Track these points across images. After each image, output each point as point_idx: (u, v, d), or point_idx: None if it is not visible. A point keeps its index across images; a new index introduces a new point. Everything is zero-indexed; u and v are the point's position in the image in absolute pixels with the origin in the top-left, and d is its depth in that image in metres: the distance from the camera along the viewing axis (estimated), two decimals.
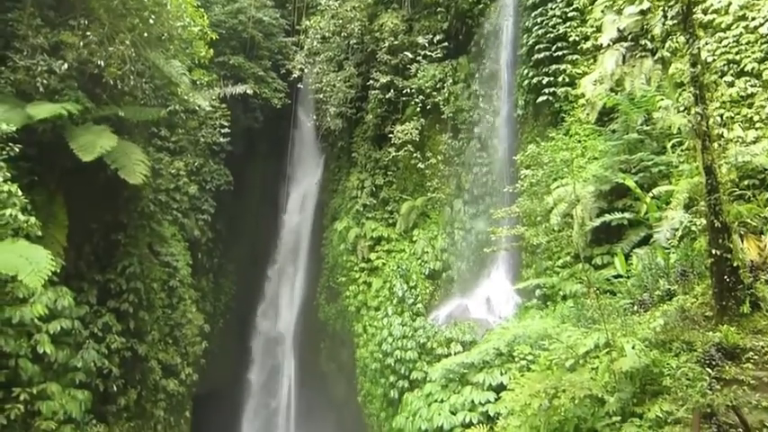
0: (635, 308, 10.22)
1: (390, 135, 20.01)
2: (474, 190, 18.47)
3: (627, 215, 12.53)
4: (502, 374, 11.27)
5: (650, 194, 12.16)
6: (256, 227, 26.28)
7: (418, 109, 19.91)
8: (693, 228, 10.16)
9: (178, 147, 22.34)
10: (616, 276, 11.64)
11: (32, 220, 11.86)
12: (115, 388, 15.96)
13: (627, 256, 11.87)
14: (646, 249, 11.49)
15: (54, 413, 12.04)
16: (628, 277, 11.22)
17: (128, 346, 16.49)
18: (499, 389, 11.05)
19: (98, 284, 16.29)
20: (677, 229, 10.70)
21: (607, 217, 12.64)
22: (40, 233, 12.22)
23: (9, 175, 11.90)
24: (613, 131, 14.05)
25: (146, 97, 17.92)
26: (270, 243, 26.74)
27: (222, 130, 21.39)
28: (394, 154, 19.78)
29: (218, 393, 24.40)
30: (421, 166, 19.42)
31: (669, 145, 12.89)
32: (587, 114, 15.05)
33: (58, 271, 12.22)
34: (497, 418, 10.79)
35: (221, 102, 21.05)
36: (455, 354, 13.70)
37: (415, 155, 19.47)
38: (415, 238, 19.01)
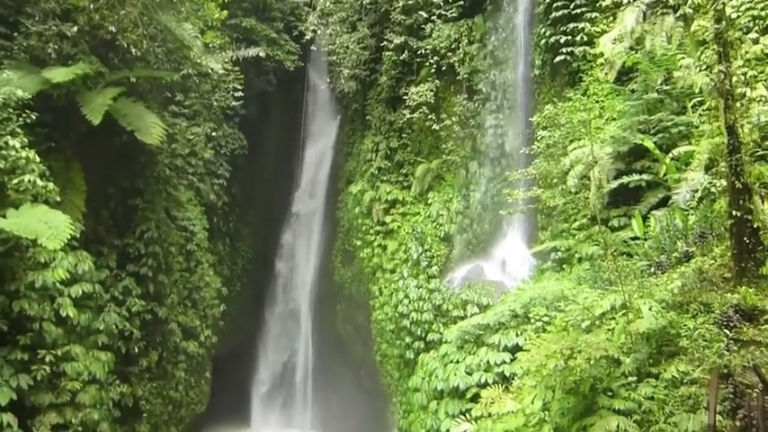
0: (652, 270, 10.18)
1: (405, 97, 19.77)
2: (489, 152, 18.31)
3: (645, 177, 12.39)
4: (517, 336, 11.34)
5: (669, 155, 11.99)
6: (271, 191, 26.35)
7: (433, 70, 19.62)
8: (713, 189, 10.03)
9: (192, 111, 22.30)
10: (633, 238, 11.58)
11: (51, 185, 11.99)
12: (137, 350, 16.33)
13: (644, 218, 11.78)
14: (664, 211, 11.39)
15: (78, 374, 12.37)
16: (645, 239, 11.16)
17: (148, 309, 16.80)
18: (515, 350, 11.14)
19: (117, 249, 16.52)
20: (697, 191, 10.57)
21: (625, 179, 12.50)
22: (58, 198, 12.38)
23: (26, 141, 12.00)
24: (632, 91, 13.79)
25: (158, 61, 17.85)
26: (285, 207, 26.84)
27: (235, 94, 21.24)
28: (408, 116, 19.59)
29: (236, 355, 24.86)
30: (436, 128, 19.23)
31: (690, 105, 12.64)
32: (606, 74, 14.74)
33: (78, 236, 12.42)
34: (513, 379, 10.92)
35: (234, 65, 20.87)
36: (471, 315, 13.78)
37: (429, 117, 19.27)
38: (430, 201, 18.96)
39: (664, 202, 11.88)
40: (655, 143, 12.31)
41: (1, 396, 10.15)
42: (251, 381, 25.87)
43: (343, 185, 23.28)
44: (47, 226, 10.68)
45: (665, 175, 12.04)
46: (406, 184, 20.02)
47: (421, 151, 20.25)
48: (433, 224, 18.50)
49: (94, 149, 15.25)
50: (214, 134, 22.48)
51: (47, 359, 11.28)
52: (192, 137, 21.16)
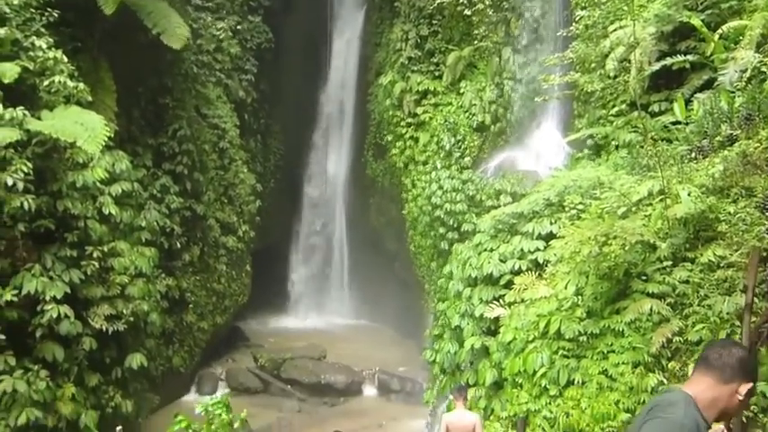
0: (693, 154, 9.89)
1: None
2: (524, 37, 17.51)
3: (690, 57, 11.73)
4: (551, 224, 11.31)
5: (717, 33, 11.28)
6: (300, 85, 25.96)
7: None
8: (764, 68, 9.49)
9: (215, 5, 21.68)
10: (674, 123, 11.16)
11: (81, 86, 11.98)
12: (179, 245, 16.94)
13: (687, 102, 11.29)
14: (708, 93, 10.87)
15: (126, 268, 12.91)
16: (687, 123, 10.75)
17: (186, 205, 17.25)
18: (548, 238, 11.15)
19: (152, 148, 16.75)
20: (745, 71, 10.00)
21: (668, 60, 11.87)
22: (90, 99, 12.42)
23: (52, 41, 11.87)
24: None
25: None
26: (314, 101, 26.55)
27: None
28: (439, 1, 18.69)
29: (274, 248, 25.64)
30: (467, 12, 18.34)
31: None
32: None
33: (113, 136, 12.52)
34: (546, 266, 11.03)
35: None
36: (504, 205, 13.77)
37: (461, 1, 18.35)
38: (462, 91, 18.46)
39: (709, 84, 11.32)
40: (702, 21, 11.56)
41: (56, 290, 10.70)
42: (289, 273, 26.83)
43: (372, 77, 22.75)
44: (83, 128, 10.76)
45: (711, 54, 11.39)
46: (437, 73, 19.44)
47: (452, 38, 19.48)
48: (466, 114, 18.12)
49: (120, 48, 15.08)
50: (239, 27, 21.92)
51: (94, 255, 11.74)
52: (217, 31, 20.70)
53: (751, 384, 2.67)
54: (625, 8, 11.37)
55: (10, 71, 10.43)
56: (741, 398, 2.65)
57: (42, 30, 11.86)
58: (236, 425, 5.37)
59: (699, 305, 7.68)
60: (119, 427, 5.89)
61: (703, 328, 7.39)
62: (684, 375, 7.23)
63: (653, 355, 7.65)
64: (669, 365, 7.56)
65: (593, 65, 12.94)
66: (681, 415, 2.56)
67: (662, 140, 10.54)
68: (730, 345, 2.77)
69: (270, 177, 25.44)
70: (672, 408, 2.59)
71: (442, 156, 17.86)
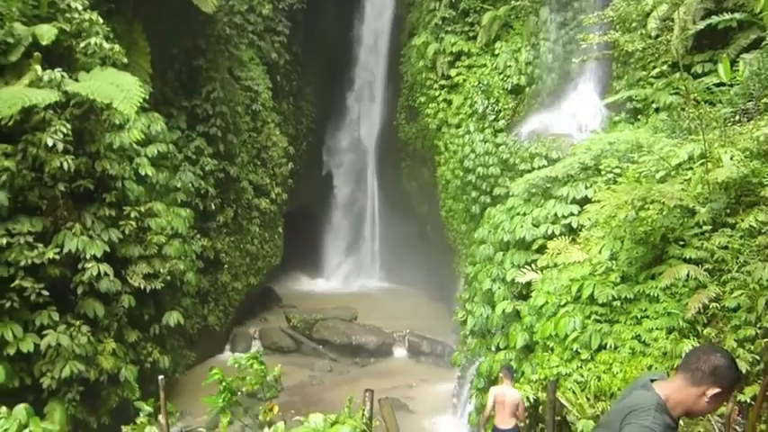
0: (737, 117, 9.57)
1: None
2: None
3: (737, 15, 11.25)
4: (587, 188, 11.11)
5: None
6: (332, 47, 25.73)
7: None
8: None
9: None
10: (718, 85, 10.78)
11: (117, 47, 12.07)
12: (213, 206, 17.19)
13: (732, 63, 10.87)
14: (755, 54, 10.45)
15: (162, 228, 13.18)
16: (731, 85, 10.38)
17: (220, 167, 17.43)
18: (583, 202, 10.98)
19: (186, 110, 16.88)
20: None
21: (714, 18, 11.39)
22: (125, 60, 12.52)
23: (87, 3, 11.93)
24: None
25: None
26: (347, 63, 26.31)
27: None
28: None
29: (306, 210, 25.84)
30: None
31: None
32: None
33: (147, 97, 12.65)
34: (580, 230, 10.90)
35: None
36: (539, 169, 13.57)
37: None
38: (497, 52, 18.05)
39: (756, 44, 10.87)
40: None
41: (95, 248, 10.99)
42: (321, 235, 27.06)
43: (405, 39, 22.41)
44: (119, 89, 10.87)
45: (760, 12, 10.90)
46: (471, 34, 19.03)
47: None
48: (501, 76, 17.76)
49: (153, 10, 15.10)
50: None
51: (132, 215, 11.99)
52: None
53: (718, 390, 2.86)
54: None
55: (48, 33, 10.55)
56: (707, 401, 2.87)
57: None
58: (269, 377, 5.50)
59: (738, 271, 7.53)
60: (161, 377, 6.08)
61: (741, 294, 7.25)
62: (720, 342, 7.14)
63: (688, 320, 7.56)
64: (704, 332, 7.47)
65: (633, 24, 12.49)
66: (650, 422, 2.90)
67: (704, 103, 10.20)
68: (712, 351, 2.96)
69: (302, 140, 25.48)
70: (644, 414, 2.94)
71: (475, 118, 17.61)
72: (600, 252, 9.41)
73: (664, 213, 8.25)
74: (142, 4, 14.77)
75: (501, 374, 8.67)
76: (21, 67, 10.61)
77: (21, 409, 4.74)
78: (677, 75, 11.56)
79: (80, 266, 10.90)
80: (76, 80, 11.03)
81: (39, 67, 10.40)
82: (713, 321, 7.52)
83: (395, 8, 24.21)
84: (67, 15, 11.43)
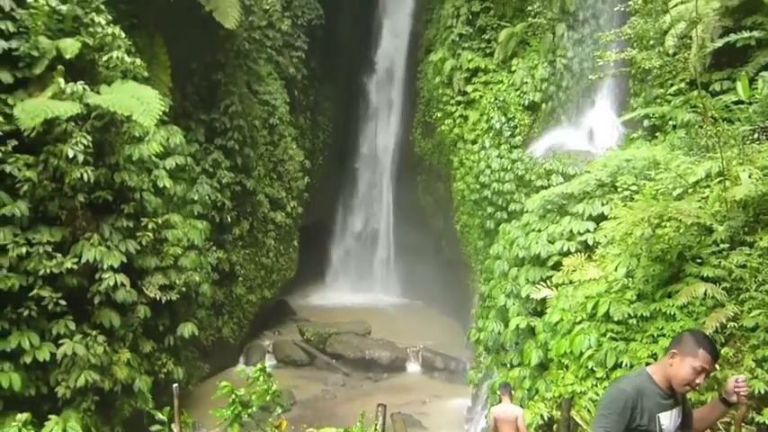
0: (755, 135, 9.49)
1: None
2: (579, 12, 17.00)
3: (756, 33, 11.18)
4: (603, 205, 11.04)
5: None
6: (349, 62, 25.95)
7: None
8: None
9: None
10: (736, 102, 10.68)
11: (138, 61, 12.28)
12: (229, 219, 17.31)
13: (751, 81, 10.79)
14: None
15: (179, 240, 13.30)
16: (750, 103, 10.29)
17: (237, 180, 17.58)
18: (599, 219, 10.90)
19: (204, 123, 17.10)
20: None
21: (732, 36, 11.33)
22: (146, 74, 12.72)
23: (110, 18, 12.17)
24: None
25: None
26: (364, 78, 26.49)
27: None
28: None
29: (321, 225, 25.92)
30: None
31: None
32: None
33: (167, 110, 12.82)
34: (596, 247, 10.81)
35: None
36: (554, 185, 13.53)
37: None
38: (513, 68, 18.10)
39: None
40: None
41: (113, 259, 11.11)
42: (336, 249, 27.10)
43: (422, 55, 22.53)
44: (139, 102, 11.05)
45: None
46: (488, 50, 19.10)
47: (504, 15, 19.07)
48: (517, 92, 17.79)
49: (175, 24, 15.36)
50: (290, 3, 21.99)
51: (149, 226, 12.11)
52: (267, 6, 20.81)
53: (675, 352, 3.50)
54: None
55: (71, 47, 10.76)
56: (670, 363, 3.50)
57: (101, 6, 12.15)
58: (273, 388, 5.50)
59: (756, 290, 7.42)
60: (175, 385, 6.11)
61: (760, 313, 7.15)
62: (739, 362, 7.03)
63: None
64: (722, 351, 7.35)
65: (651, 41, 12.49)
66: (624, 382, 3.57)
67: (722, 120, 10.13)
68: (687, 332, 3.65)
69: (318, 154, 25.62)
70: (623, 377, 3.79)
71: (491, 134, 17.63)
72: (616, 269, 9.32)
73: (681, 231, 8.17)
74: (164, 18, 15.03)
75: (499, 392, 8.73)
76: (44, 79, 10.82)
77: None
78: (695, 92, 11.48)
79: (97, 276, 11.01)
80: (98, 93, 11.22)
81: (62, 80, 10.60)
82: (731, 341, 7.41)
83: (412, 25, 24.39)
84: (91, 30, 11.66)
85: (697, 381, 3.47)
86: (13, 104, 10.28)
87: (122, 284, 11.15)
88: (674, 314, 7.91)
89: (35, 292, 10.17)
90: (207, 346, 16.32)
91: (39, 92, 10.73)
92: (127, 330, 11.71)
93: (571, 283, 10.26)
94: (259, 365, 6.01)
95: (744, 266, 7.68)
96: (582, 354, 8.72)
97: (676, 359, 3.48)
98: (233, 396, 5.57)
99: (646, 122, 13.68)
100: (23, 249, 10.11)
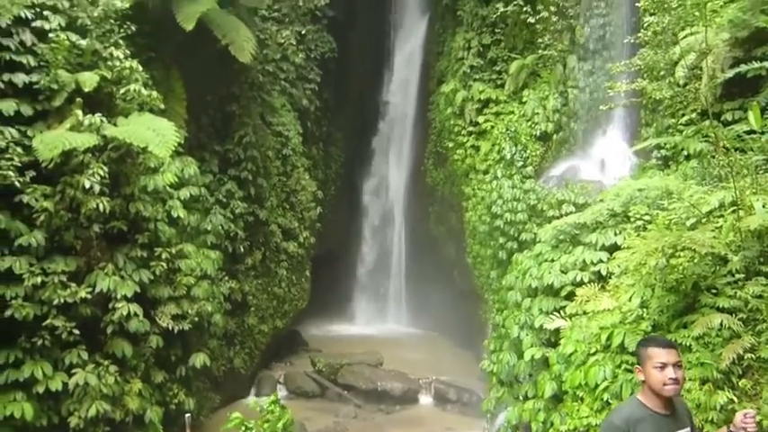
0: None
1: None
2: (590, 44, 17.16)
3: (766, 64, 11.22)
4: (616, 234, 10.99)
5: None
6: (362, 94, 26.29)
7: None
8: None
9: (281, 14, 22.24)
10: (748, 132, 10.65)
11: (154, 94, 12.51)
12: (242, 249, 17.38)
13: (763, 111, 10.78)
14: None
15: (192, 270, 13.35)
16: (762, 133, 10.26)
17: (250, 211, 17.70)
18: (612, 249, 10.86)
19: (218, 154, 17.31)
20: None
21: (743, 67, 11.33)
22: (162, 106, 12.95)
23: (128, 52, 12.46)
24: None
25: None
26: (376, 109, 26.80)
27: None
28: (502, 10, 18.60)
29: (333, 255, 25.94)
30: (531, 20, 18.14)
31: None
32: None
33: (182, 142, 13.02)
34: (609, 278, 10.74)
35: None
36: (566, 215, 13.50)
37: (524, 9, 18.18)
38: (524, 99, 18.24)
39: None
40: None
41: (126, 288, 11.16)
42: (348, 279, 27.07)
43: (434, 86, 22.78)
44: (155, 134, 11.22)
45: None
46: (499, 82, 19.29)
47: (515, 47, 19.31)
48: (528, 123, 17.89)
49: (191, 58, 15.68)
50: (304, 37, 22.41)
51: (163, 256, 12.18)
52: (282, 40, 21.22)
53: (637, 367, 3.73)
54: (697, 14, 10.98)
55: (90, 80, 11.00)
56: (638, 371, 3.70)
57: (120, 41, 12.46)
58: (280, 425, 5.47)
59: None
60: (187, 415, 6.09)
61: None
62: (757, 394, 6.90)
63: (722, 371, 7.33)
64: (740, 383, 7.23)
65: (661, 72, 12.56)
66: (615, 416, 3.61)
67: (735, 150, 10.12)
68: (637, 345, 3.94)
69: (331, 184, 25.80)
70: (615, 410, 3.93)
71: (503, 165, 17.68)
72: (630, 300, 9.25)
73: (695, 261, 8.12)
74: (180, 52, 15.36)
75: None
76: (63, 111, 11.05)
77: None
78: (707, 122, 11.51)
79: (110, 306, 11.06)
80: (115, 125, 11.43)
81: (80, 112, 10.81)
82: (749, 372, 7.29)
83: (423, 57, 24.72)
84: (109, 63, 11.93)
85: (669, 376, 3.49)
86: (32, 136, 10.48)
87: (135, 314, 11.18)
88: (690, 345, 7.82)
89: (49, 321, 10.21)
90: (218, 376, 16.24)
91: (57, 124, 10.95)
92: (139, 360, 11.70)
93: (585, 313, 10.18)
94: (272, 397, 6.00)
95: (760, 297, 7.60)
96: (597, 386, 8.62)
97: (643, 372, 3.65)
98: (243, 428, 5.55)
99: (658, 152, 13.69)
100: (39, 279, 10.20)
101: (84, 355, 10.55)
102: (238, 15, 16.45)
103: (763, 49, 11.70)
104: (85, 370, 10.44)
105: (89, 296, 10.66)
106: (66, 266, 10.63)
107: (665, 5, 10.80)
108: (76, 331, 10.46)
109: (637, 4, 12.52)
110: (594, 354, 9.08)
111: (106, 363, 10.80)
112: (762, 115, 10.49)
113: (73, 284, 10.56)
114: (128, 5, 12.60)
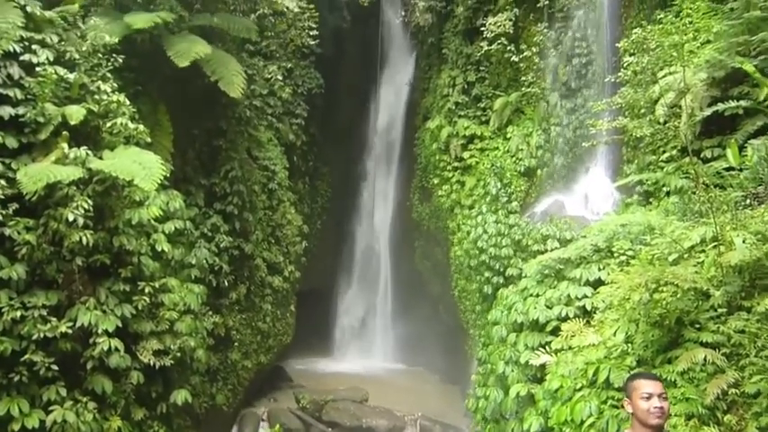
0: (747, 201, 9.63)
1: (482, 28, 19.14)
2: (572, 82, 17.53)
3: (743, 103, 11.50)
4: (600, 270, 11.07)
5: None
6: (348, 129, 26.53)
7: None
8: None
9: (268, 50, 22.53)
10: (727, 169, 10.89)
11: (141, 127, 12.53)
12: (226, 283, 17.22)
13: (740, 148, 11.04)
14: (763, 139, 10.61)
15: (175, 304, 13.17)
16: (740, 170, 10.50)
17: (235, 245, 17.60)
18: (596, 284, 10.92)
19: (204, 188, 17.27)
20: None
21: (720, 106, 11.66)
22: (148, 140, 12.95)
23: (116, 85, 12.51)
24: (731, 10, 12.69)
25: (235, 2, 18.01)
26: (362, 145, 27.02)
27: (311, 32, 21.27)
28: (486, 48, 19.00)
29: (318, 290, 25.79)
30: (515, 59, 18.56)
31: None
32: None
33: (168, 176, 13.00)
34: (594, 312, 10.77)
35: (308, 2, 20.81)
36: (551, 250, 13.58)
37: (508, 48, 18.60)
38: (509, 136, 18.52)
39: (763, 131, 11.06)
40: (755, 66, 11.38)
41: (108, 323, 10.98)
42: (333, 314, 26.89)
43: (420, 122, 23.08)
44: (141, 167, 11.20)
45: (765, 100, 11.18)
46: (484, 118, 19.61)
47: (499, 84, 19.69)
48: (513, 159, 18.13)
49: (179, 92, 15.78)
50: (291, 73, 22.67)
51: (146, 290, 12.02)
52: (269, 75, 21.45)
53: (625, 401, 4.02)
54: (675, 54, 11.30)
55: (76, 113, 11.01)
56: (626, 404, 3.98)
57: (108, 75, 12.51)
58: None
59: (756, 356, 7.35)
60: None
61: (761, 379, 7.06)
62: (742, 430, 6.90)
63: (707, 407, 7.33)
64: (725, 418, 7.23)
65: (642, 110, 12.83)
66: None
67: (715, 186, 10.31)
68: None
69: (316, 219, 25.80)
70: None
71: (488, 200, 17.83)
72: (615, 334, 9.27)
73: (678, 296, 8.18)
74: (168, 86, 15.44)
75: None
76: (49, 144, 11.01)
77: None
78: (686, 159, 11.73)
79: (91, 341, 10.85)
80: (101, 158, 11.39)
81: (65, 145, 10.79)
82: (733, 408, 7.29)
83: (410, 93, 25.09)
84: (96, 97, 11.95)
85: (655, 406, 3.77)
86: (17, 168, 10.41)
87: (116, 349, 10.98)
88: (675, 380, 7.82)
89: (27, 356, 9.99)
90: (200, 413, 15.90)
91: (42, 156, 10.90)
92: (119, 397, 11.44)
93: (570, 348, 10.17)
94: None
95: (742, 332, 7.65)
96: (583, 422, 8.56)
97: (630, 403, 3.91)
98: None
99: (640, 188, 13.89)
100: (18, 313, 10.01)
101: (63, 392, 10.31)
102: (227, 50, 16.64)
103: (739, 88, 12.03)
104: (63, 407, 10.19)
105: (70, 331, 10.46)
106: (47, 300, 10.45)
107: (645, 46, 11.10)
108: (55, 367, 10.23)
109: (617, 45, 12.86)
110: (580, 389, 9.04)
111: (85, 399, 10.55)
112: (740, 152, 10.77)
113: (53, 319, 10.37)
114: (116, 40, 12.70)
